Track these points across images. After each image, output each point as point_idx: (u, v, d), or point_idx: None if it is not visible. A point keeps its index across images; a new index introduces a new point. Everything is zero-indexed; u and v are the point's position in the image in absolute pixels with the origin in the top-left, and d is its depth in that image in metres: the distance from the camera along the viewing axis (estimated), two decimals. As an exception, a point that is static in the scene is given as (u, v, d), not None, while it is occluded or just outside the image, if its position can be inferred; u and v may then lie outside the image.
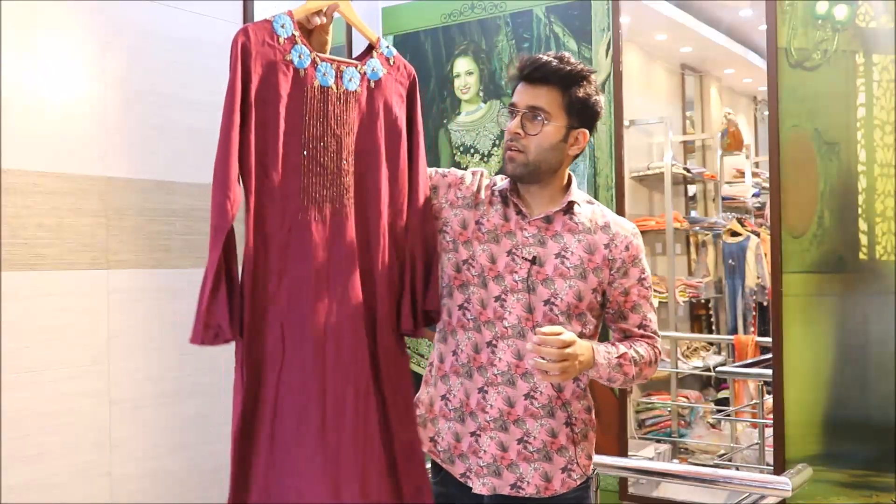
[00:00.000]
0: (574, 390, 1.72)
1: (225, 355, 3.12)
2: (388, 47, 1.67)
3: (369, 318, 1.60)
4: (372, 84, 1.64)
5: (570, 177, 1.76)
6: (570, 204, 1.71)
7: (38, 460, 2.37)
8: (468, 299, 1.71)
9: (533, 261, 1.67)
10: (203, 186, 2.85)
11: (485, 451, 1.68)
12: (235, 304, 1.48)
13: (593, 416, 1.79)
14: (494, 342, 1.68)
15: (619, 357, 1.65)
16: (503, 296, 1.68)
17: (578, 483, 1.73)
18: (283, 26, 1.53)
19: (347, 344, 1.55)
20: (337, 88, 1.58)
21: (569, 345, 1.53)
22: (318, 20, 1.59)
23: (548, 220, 1.71)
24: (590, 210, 1.75)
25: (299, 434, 1.50)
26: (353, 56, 1.67)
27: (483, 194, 1.75)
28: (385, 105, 1.65)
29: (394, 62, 1.68)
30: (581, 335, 1.65)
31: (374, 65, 1.64)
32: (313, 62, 1.56)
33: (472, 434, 1.70)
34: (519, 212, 1.71)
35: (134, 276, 2.63)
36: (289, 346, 1.52)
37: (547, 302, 1.67)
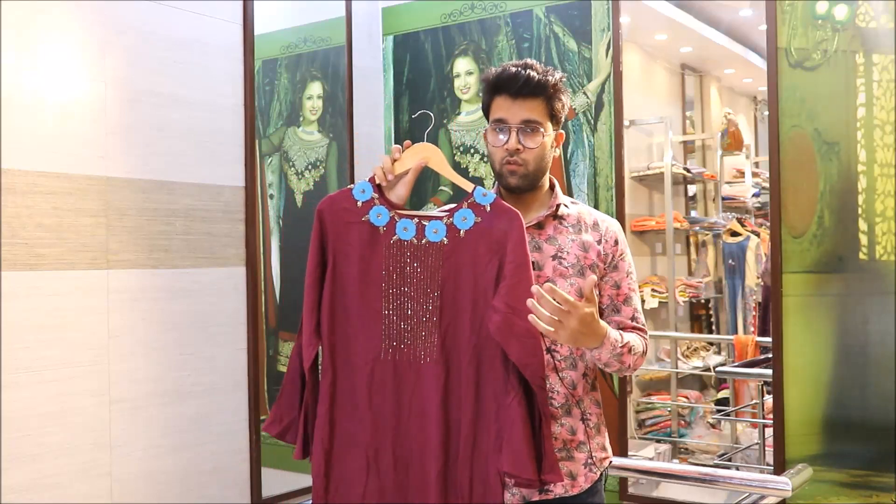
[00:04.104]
0: (584, 386, 1.75)
1: (225, 356, 3.10)
2: (484, 195, 1.65)
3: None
4: (461, 234, 1.64)
5: (552, 179, 1.80)
6: (558, 206, 1.77)
7: (38, 460, 2.37)
8: None
9: (532, 266, 1.68)
10: (203, 186, 2.85)
11: None
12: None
13: (602, 411, 1.81)
14: None
15: (623, 346, 1.66)
16: None
17: (598, 476, 1.77)
18: (362, 191, 1.67)
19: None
20: (418, 241, 1.64)
21: (572, 306, 1.50)
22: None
23: (539, 225, 1.75)
24: (576, 210, 1.80)
25: None
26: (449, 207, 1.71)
27: None
28: (474, 255, 1.63)
29: (492, 209, 1.65)
30: None
31: (465, 214, 1.65)
32: (392, 220, 1.66)
33: None
34: None
35: (134, 276, 2.63)
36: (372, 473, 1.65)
37: None
